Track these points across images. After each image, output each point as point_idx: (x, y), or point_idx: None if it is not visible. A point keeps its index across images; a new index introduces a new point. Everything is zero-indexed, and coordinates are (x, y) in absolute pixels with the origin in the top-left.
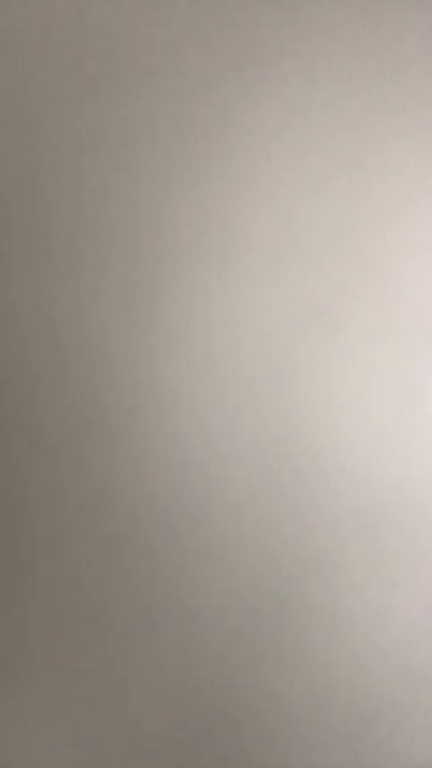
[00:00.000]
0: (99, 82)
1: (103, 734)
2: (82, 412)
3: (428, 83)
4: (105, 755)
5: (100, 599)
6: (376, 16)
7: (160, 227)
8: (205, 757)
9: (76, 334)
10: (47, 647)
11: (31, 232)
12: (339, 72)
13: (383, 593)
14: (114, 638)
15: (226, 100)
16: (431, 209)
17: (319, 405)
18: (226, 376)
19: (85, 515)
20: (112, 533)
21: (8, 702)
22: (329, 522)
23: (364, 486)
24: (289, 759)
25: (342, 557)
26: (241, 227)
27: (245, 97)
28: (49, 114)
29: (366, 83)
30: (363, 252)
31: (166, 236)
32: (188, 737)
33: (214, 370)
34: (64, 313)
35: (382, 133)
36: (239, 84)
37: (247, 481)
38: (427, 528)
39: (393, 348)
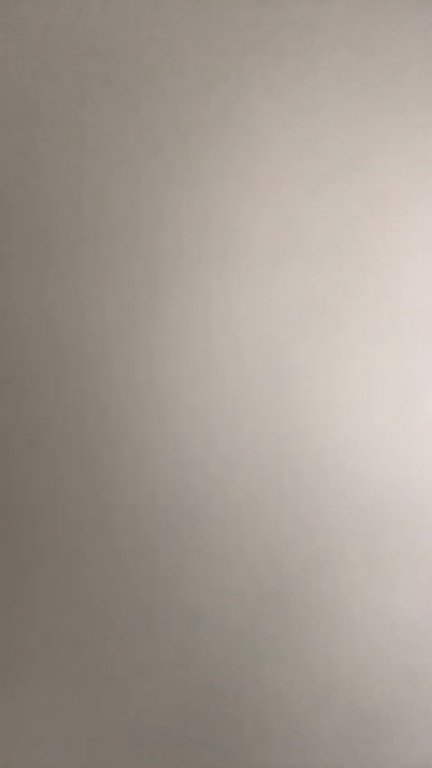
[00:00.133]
0: (99, 82)
1: (103, 734)
2: (82, 412)
3: (428, 83)
4: (105, 755)
5: (100, 599)
6: (376, 16)
7: (160, 228)
8: (205, 757)
9: (76, 334)
10: (47, 647)
11: (31, 232)
12: (339, 72)
13: (383, 593)
14: (114, 638)
15: (226, 100)
16: (431, 209)
17: (319, 405)
18: (226, 376)
19: (85, 515)
20: (112, 533)
21: (8, 702)
22: (329, 522)
23: (364, 486)
24: (289, 759)
25: (342, 557)
26: (241, 227)
27: (245, 97)
28: (49, 114)
29: (366, 83)
30: (363, 252)
31: (166, 237)
32: (188, 737)
33: (214, 370)
34: (64, 313)
35: (382, 133)
36: (239, 84)
37: (247, 481)
38: (427, 528)
39: (393, 348)
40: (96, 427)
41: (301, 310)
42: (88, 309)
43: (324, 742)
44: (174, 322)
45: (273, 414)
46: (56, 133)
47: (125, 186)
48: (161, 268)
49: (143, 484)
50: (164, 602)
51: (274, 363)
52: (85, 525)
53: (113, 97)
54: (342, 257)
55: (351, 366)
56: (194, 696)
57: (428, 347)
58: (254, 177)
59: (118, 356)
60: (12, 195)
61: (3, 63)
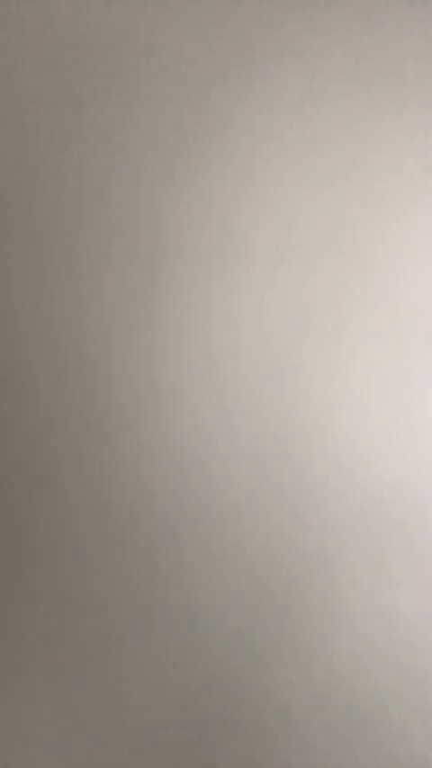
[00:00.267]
0: (99, 82)
1: (103, 734)
2: (82, 412)
3: (428, 83)
4: (105, 755)
5: (100, 599)
6: (376, 16)
7: (160, 228)
8: (205, 757)
9: (76, 334)
10: (47, 647)
11: (31, 232)
12: (339, 72)
13: (383, 593)
14: (114, 638)
15: (226, 100)
16: (431, 209)
17: (319, 405)
18: (226, 376)
19: (85, 515)
20: (112, 533)
21: (8, 702)
22: (329, 522)
23: (364, 486)
24: (289, 759)
25: (342, 557)
26: (241, 227)
27: (245, 97)
28: (49, 115)
29: (366, 83)
30: (363, 252)
31: (167, 237)
32: (188, 737)
33: (214, 370)
34: (64, 313)
35: (382, 133)
36: (239, 85)
37: (247, 481)
38: (427, 528)
39: (393, 348)
40: (96, 427)
41: (301, 310)
42: (88, 309)
43: (324, 742)
44: (174, 322)
45: (273, 414)
46: (56, 133)
47: (125, 186)
48: (161, 268)
49: (143, 484)
50: (164, 602)
51: (274, 363)
52: (85, 525)
53: (113, 97)
54: (342, 257)
55: (351, 366)
56: (194, 696)
57: (428, 347)
58: (254, 177)
59: (118, 356)
60: (12, 195)
61: (2, 63)
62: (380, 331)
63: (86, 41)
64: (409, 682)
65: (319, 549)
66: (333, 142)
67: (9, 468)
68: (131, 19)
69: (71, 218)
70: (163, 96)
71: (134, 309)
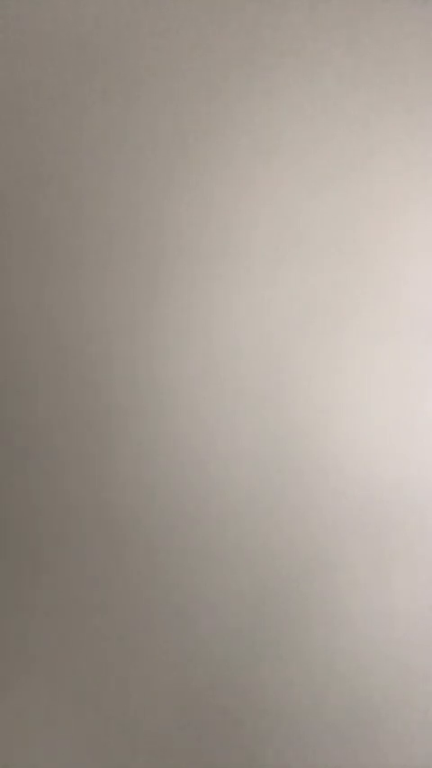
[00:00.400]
0: (99, 82)
1: (103, 734)
2: (82, 412)
3: (428, 83)
4: (105, 755)
5: (100, 599)
6: (376, 16)
7: (160, 228)
8: (205, 757)
9: (76, 334)
10: (47, 648)
11: (31, 232)
12: (339, 72)
13: (383, 593)
14: (114, 638)
15: (226, 100)
16: (431, 209)
17: (319, 405)
18: (226, 376)
19: (85, 515)
20: (112, 533)
21: (8, 702)
22: (329, 522)
23: (364, 486)
24: (289, 759)
25: (342, 557)
26: (241, 227)
27: (245, 97)
28: (50, 115)
29: (366, 83)
30: (363, 252)
31: (167, 237)
32: (188, 737)
33: (214, 370)
34: (64, 313)
35: (382, 133)
36: (239, 85)
37: (247, 481)
38: (427, 528)
39: (393, 348)
40: (96, 427)
41: (301, 310)
42: (88, 309)
43: (324, 742)
44: (174, 322)
45: (273, 414)
46: (56, 133)
47: (125, 186)
48: (161, 268)
49: (143, 484)
50: (164, 602)
51: (274, 363)
52: (85, 525)
53: (113, 97)
54: (342, 257)
55: (351, 366)
56: (194, 696)
57: (428, 347)
58: (254, 177)
59: (118, 356)
60: (12, 195)
61: (2, 63)
62: (380, 331)
63: (86, 41)
64: (409, 682)
65: (318, 549)
66: (333, 142)
67: (9, 468)
68: (131, 18)
69: (71, 218)
70: (163, 96)
71: (134, 309)
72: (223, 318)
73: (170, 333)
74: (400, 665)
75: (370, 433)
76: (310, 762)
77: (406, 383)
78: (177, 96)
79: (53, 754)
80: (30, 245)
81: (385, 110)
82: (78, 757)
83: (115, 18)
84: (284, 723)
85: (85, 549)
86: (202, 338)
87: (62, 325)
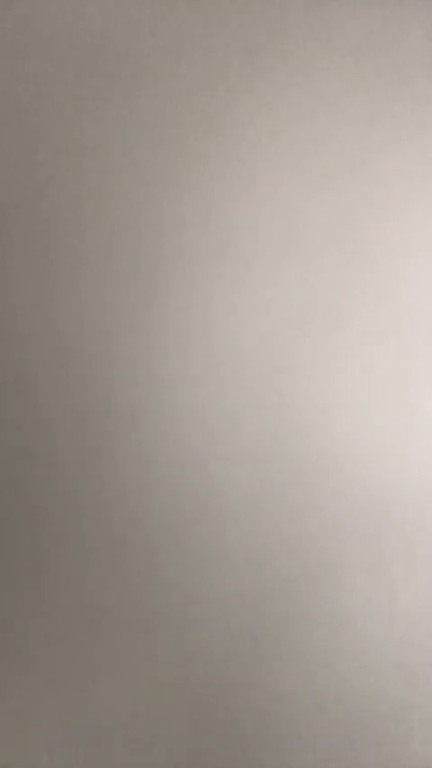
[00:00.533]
0: (99, 82)
1: (103, 734)
2: (82, 412)
3: (428, 83)
4: (105, 755)
5: (100, 599)
6: (376, 16)
7: (160, 228)
8: (205, 757)
9: (76, 334)
10: (47, 648)
11: (31, 232)
12: (339, 72)
13: (384, 593)
14: (114, 638)
15: (226, 101)
16: (431, 209)
17: (319, 405)
18: (226, 376)
19: (85, 516)
20: (112, 533)
21: (8, 702)
22: (329, 522)
23: (364, 487)
24: (289, 759)
25: (342, 557)
26: (241, 227)
27: (245, 98)
28: (50, 115)
29: (366, 83)
30: (363, 252)
31: (167, 237)
32: (188, 737)
33: (214, 370)
34: (64, 313)
35: (382, 133)
36: (239, 85)
37: (247, 481)
38: (427, 528)
39: (393, 348)
40: (96, 427)
41: (301, 310)
42: (88, 309)
43: (324, 742)
44: (174, 322)
45: (273, 414)
46: (56, 133)
47: (125, 186)
48: (161, 268)
49: (143, 484)
50: (164, 602)
51: (274, 363)
52: (85, 526)
53: (114, 97)
54: (342, 257)
55: (351, 366)
56: (194, 696)
57: (428, 347)
58: (254, 177)
59: (118, 356)
60: (12, 195)
61: (3, 63)
62: (380, 331)
63: (86, 41)
64: (410, 682)
65: (318, 549)
66: (333, 142)
67: (9, 467)
68: (131, 19)
69: (71, 219)
70: (163, 96)
71: (134, 309)
72: (223, 318)
73: (170, 333)
74: (400, 665)
75: (370, 433)
76: (310, 761)
77: (406, 383)
78: (177, 96)
79: (53, 754)
80: (30, 245)
81: (385, 110)
82: (78, 757)
83: (115, 18)
84: (284, 723)
85: (85, 549)
86: (202, 338)
87: (62, 325)
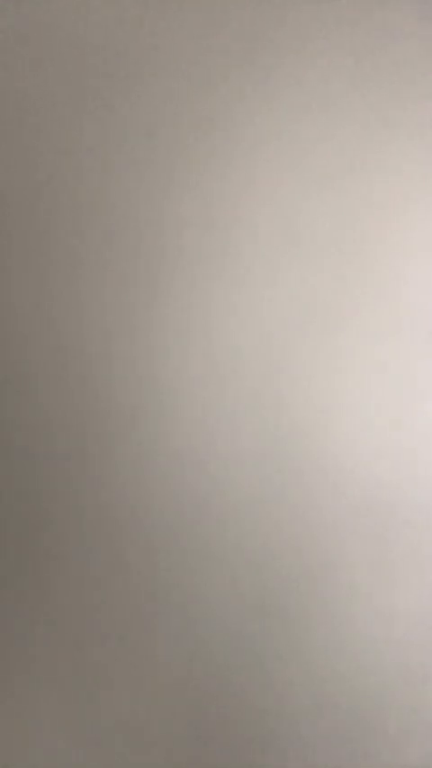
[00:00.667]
0: (99, 82)
1: (103, 734)
2: (82, 412)
3: (428, 83)
4: (105, 755)
5: (100, 599)
6: (376, 17)
7: (160, 228)
8: (205, 757)
9: (76, 334)
10: (47, 648)
11: (31, 232)
12: (339, 72)
13: (384, 593)
14: (114, 639)
15: (226, 100)
16: (431, 209)
17: (319, 405)
18: (226, 376)
19: (85, 516)
20: (112, 533)
21: (8, 702)
22: (330, 522)
23: (364, 486)
24: (289, 759)
25: (343, 557)
26: (241, 227)
27: (245, 97)
28: (49, 114)
29: (366, 83)
30: (363, 252)
31: (166, 237)
32: (188, 737)
33: (214, 370)
34: (64, 313)
35: (382, 133)
36: (239, 85)
37: (247, 481)
38: (428, 528)
39: (393, 348)
40: (96, 427)
41: (301, 310)
42: (88, 309)
43: (324, 742)
44: (174, 322)
45: (273, 414)
46: (56, 133)
47: (125, 186)
48: (161, 268)
49: (143, 484)
50: (164, 602)
51: (274, 363)
52: (86, 525)
53: (114, 97)
54: (342, 257)
55: (351, 366)
56: (195, 696)
57: (428, 347)
58: (254, 177)
59: (118, 356)
60: (12, 195)
61: (3, 62)
62: (380, 331)
63: (86, 41)
64: (409, 682)
65: (319, 549)
66: (333, 142)
67: (9, 468)
68: (131, 19)
69: (71, 219)
70: (163, 96)
71: (134, 309)
72: (223, 318)
73: (170, 333)
74: (400, 664)
75: (370, 433)
76: (310, 761)
77: (406, 383)
78: (177, 96)
79: (53, 754)
80: (30, 245)
81: (385, 109)
82: (78, 757)
83: (115, 18)
84: (285, 722)
85: (85, 549)
86: (202, 338)
87: (62, 325)
